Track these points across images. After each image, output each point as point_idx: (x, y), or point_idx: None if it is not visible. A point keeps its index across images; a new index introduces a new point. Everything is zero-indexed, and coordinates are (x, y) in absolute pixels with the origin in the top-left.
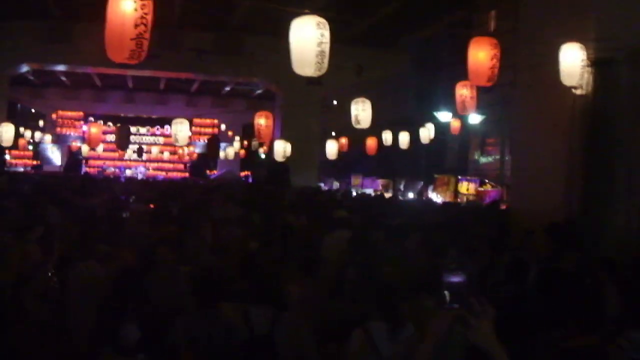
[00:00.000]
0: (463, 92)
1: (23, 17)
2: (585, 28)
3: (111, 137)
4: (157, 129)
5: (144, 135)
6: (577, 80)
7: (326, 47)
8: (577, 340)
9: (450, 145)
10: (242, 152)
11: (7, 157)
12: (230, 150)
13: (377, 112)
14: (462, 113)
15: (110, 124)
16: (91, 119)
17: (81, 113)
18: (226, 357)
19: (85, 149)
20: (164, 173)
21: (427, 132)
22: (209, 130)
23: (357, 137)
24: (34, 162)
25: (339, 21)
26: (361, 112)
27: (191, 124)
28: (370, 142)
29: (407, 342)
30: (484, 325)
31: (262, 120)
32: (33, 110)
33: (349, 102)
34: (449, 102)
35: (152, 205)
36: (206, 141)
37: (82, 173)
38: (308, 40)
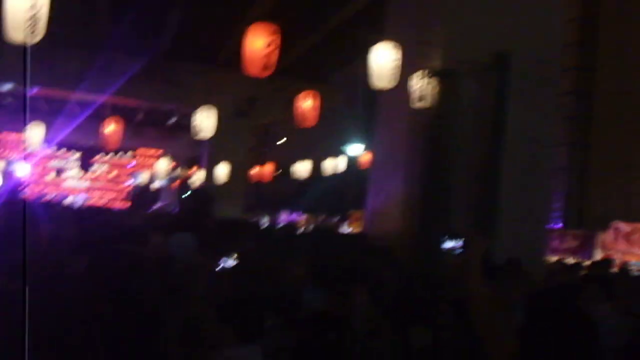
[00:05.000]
0: (305, 103)
1: None
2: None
3: None
4: None
5: None
6: (388, 81)
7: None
8: None
9: None
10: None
11: None
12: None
13: None
14: (304, 126)
15: None
16: None
17: None
18: None
19: None
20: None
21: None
22: (153, 160)
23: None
24: None
25: None
26: None
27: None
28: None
29: None
30: None
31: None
32: None
33: None
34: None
35: None
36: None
37: None
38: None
